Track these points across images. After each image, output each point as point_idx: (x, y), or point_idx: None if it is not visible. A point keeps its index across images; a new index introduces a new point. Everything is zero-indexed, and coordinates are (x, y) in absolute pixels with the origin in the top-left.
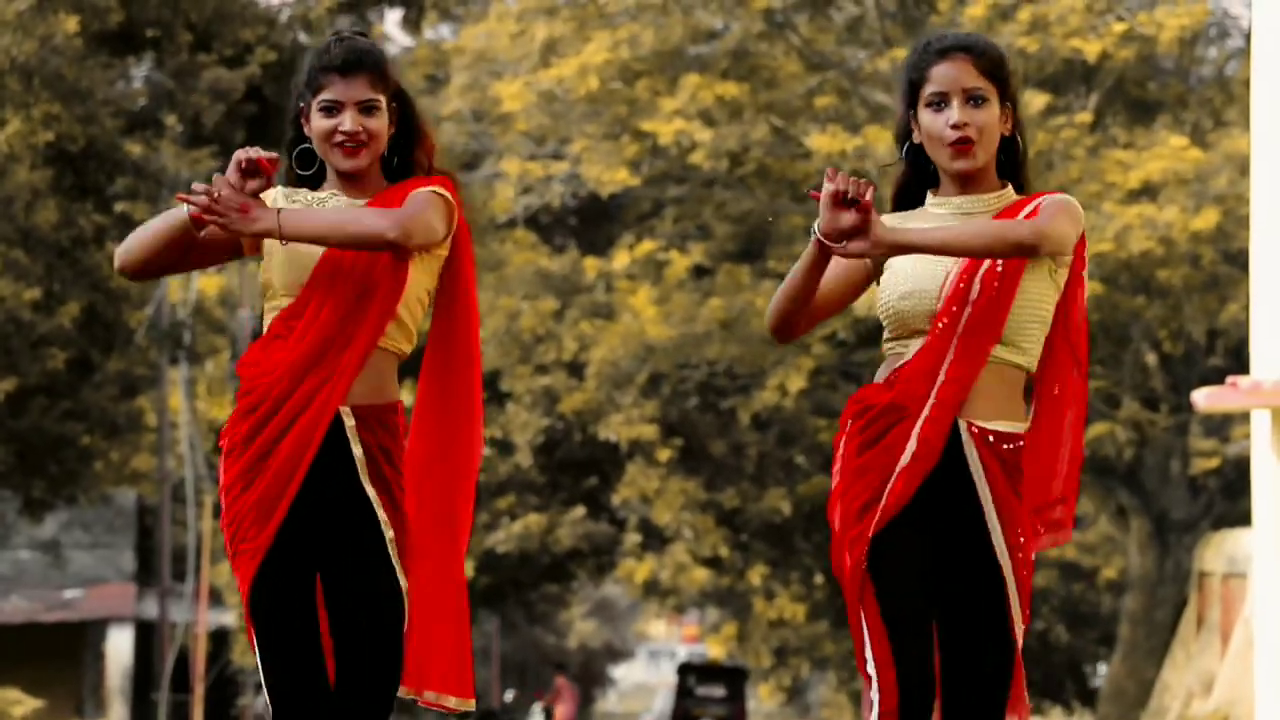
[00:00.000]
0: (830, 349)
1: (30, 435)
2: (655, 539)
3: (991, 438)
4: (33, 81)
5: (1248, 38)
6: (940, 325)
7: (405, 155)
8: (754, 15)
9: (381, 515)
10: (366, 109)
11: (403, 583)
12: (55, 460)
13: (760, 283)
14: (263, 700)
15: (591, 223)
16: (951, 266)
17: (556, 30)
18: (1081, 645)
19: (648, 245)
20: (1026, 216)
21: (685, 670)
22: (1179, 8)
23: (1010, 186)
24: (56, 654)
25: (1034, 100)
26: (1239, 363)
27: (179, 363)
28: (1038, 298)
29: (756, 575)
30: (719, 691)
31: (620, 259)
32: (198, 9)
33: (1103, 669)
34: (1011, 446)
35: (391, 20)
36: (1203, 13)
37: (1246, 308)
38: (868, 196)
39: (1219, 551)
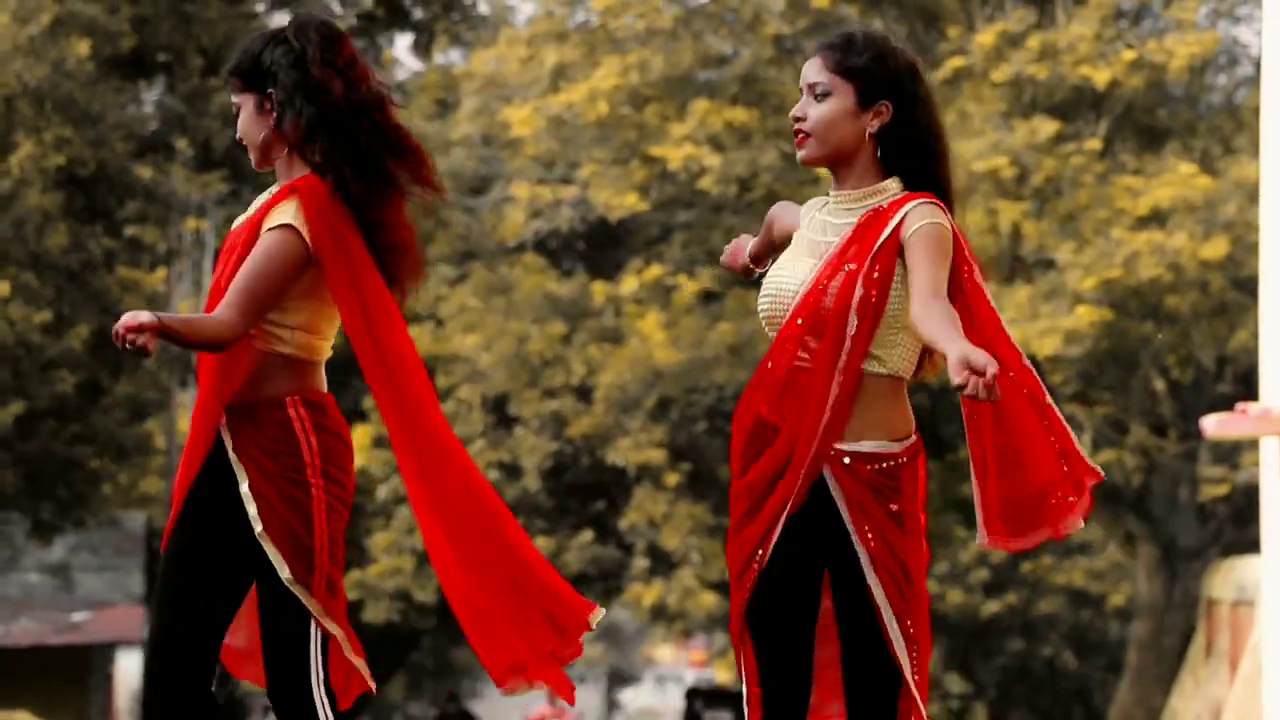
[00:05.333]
0: None
1: (39, 458)
2: (663, 563)
3: (848, 459)
4: (44, 106)
5: (1258, 65)
6: (797, 335)
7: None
8: (763, 41)
9: (251, 510)
10: (238, 111)
11: (282, 572)
12: (64, 483)
13: None
14: None
15: (600, 247)
16: (811, 271)
17: (566, 55)
18: (1089, 672)
19: (656, 270)
20: (893, 229)
21: (693, 695)
22: (1189, 36)
23: (892, 180)
24: (65, 677)
25: (1043, 127)
26: (1248, 389)
27: (188, 386)
28: (895, 307)
29: None
30: (726, 716)
31: (629, 283)
32: (209, 33)
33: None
34: (878, 467)
35: (402, 45)
36: (1212, 41)
37: (1255, 334)
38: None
39: (1227, 579)
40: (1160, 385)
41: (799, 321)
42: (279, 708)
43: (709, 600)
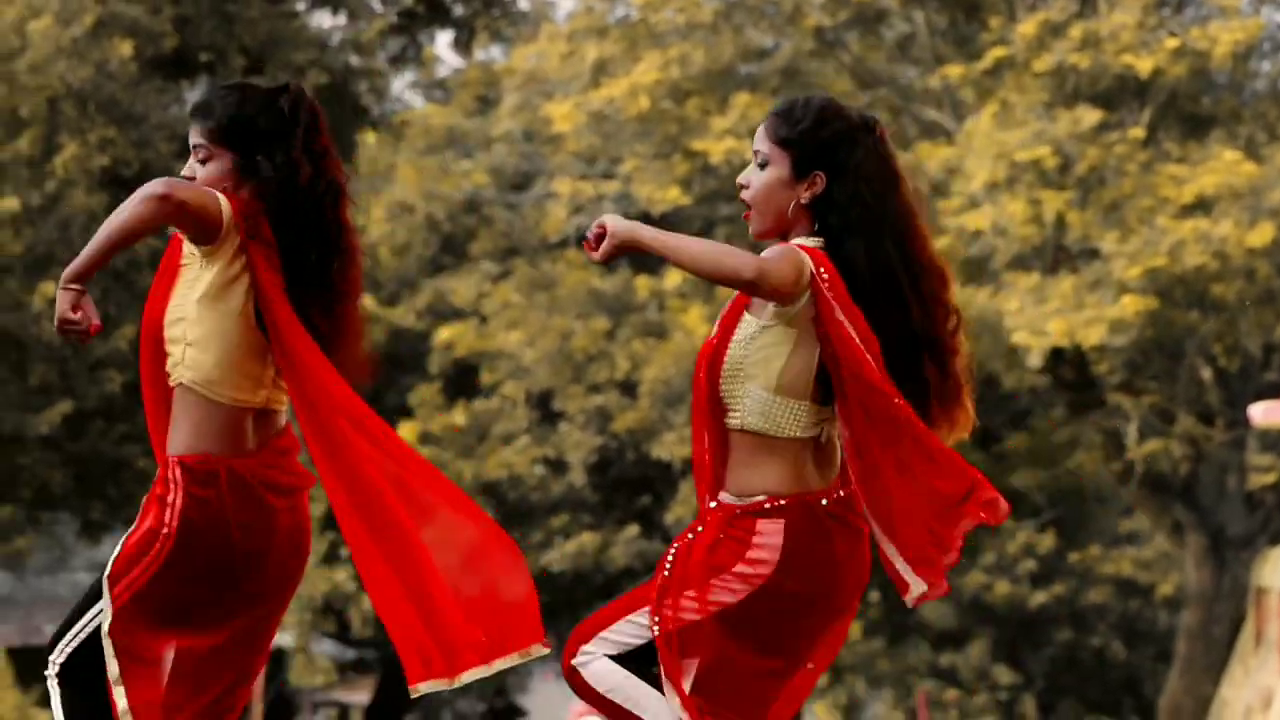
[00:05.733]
0: None
1: (88, 458)
2: None
3: (714, 504)
4: (88, 107)
5: None
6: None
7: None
8: (804, 33)
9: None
10: (200, 155)
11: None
12: (113, 482)
13: None
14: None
15: None
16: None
17: (607, 50)
18: (1138, 662)
19: None
20: None
21: None
22: (1232, 22)
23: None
24: None
25: (1086, 116)
26: None
27: None
28: (743, 353)
29: None
30: None
31: (672, 278)
32: (251, 33)
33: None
34: (724, 516)
35: (443, 42)
36: (1256, 27)
37: None
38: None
39: (1276, 567)
40: (1207, 374)
41: (698, 376)
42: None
43: None
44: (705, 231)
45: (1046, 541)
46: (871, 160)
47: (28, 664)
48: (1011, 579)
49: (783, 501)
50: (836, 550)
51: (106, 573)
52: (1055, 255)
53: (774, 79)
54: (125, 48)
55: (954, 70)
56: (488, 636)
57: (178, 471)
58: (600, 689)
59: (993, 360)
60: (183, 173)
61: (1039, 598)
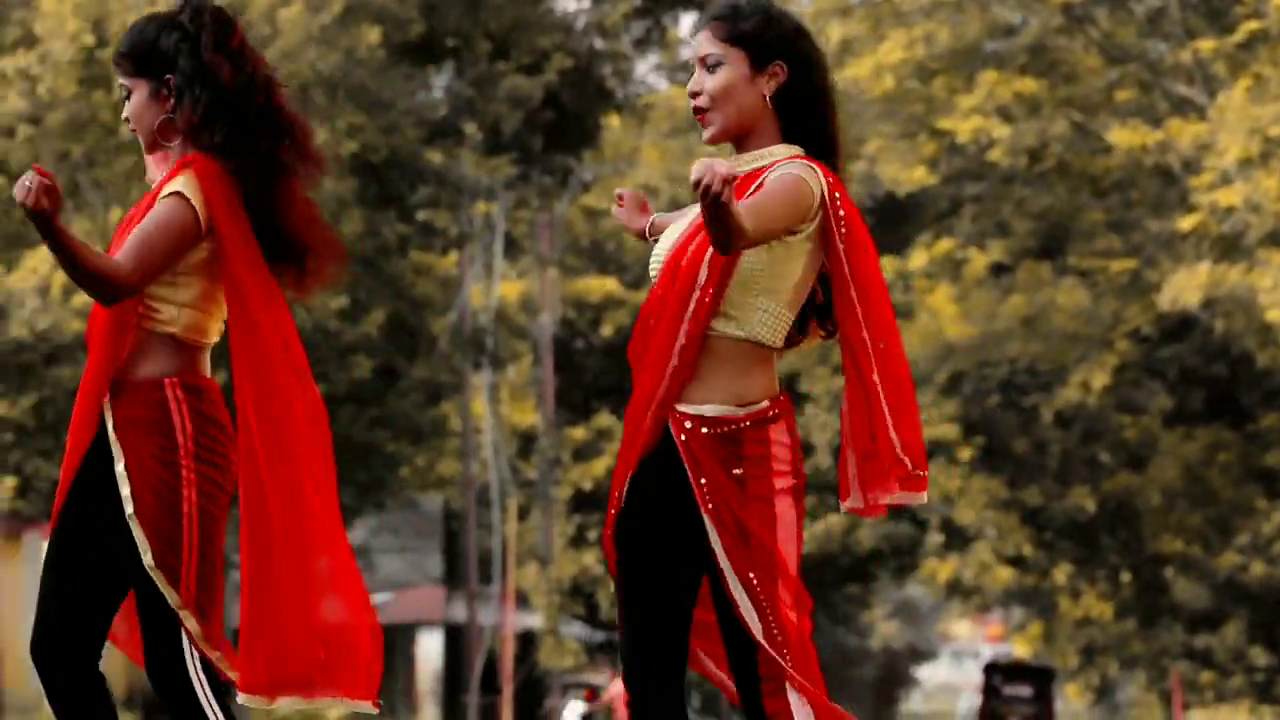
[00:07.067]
0: (1134, 345)
1: (338, 442)
2: (958, 538)
3: (689, 423)
4: (336, 93)
5: None
6: (659, 292)
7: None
8: (1052, 9)
9: (124, 491)
10: (124, 92)
11: (145, 557)
12: (363, 467)
13: (1061, 280)
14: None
15: (888, 222)
16: (675, 237)
17: (851, 30)
18: None
19: (946, 244)
20: (756, 188)
21: (992, 670)
22: None
23: (782, 147)
24: None
25: None
26: None
27: (482, 368)
28: (754, 268)
29: (1061, 573)
30: (1026, 691)
31: (918, 258)
32: (496, 18)
33: None
34: (718, 431)
35: (687, 23)
36: None
37: None
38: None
39: None
40: None
41: (665, 278)
42: (159, 691)
43: (1005, 574)
44: (952, 211)
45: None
46: (820, 53)
47: None
48: (1267, 560)
49: (777, 401)
50: None
51: (150, 562)
52: None
53: (1021, 56)
54: (373, 34)
55: (1206, 44)
56: (326, 669)
57: (176, 391)
58: None
59: (1246, 338)
60: (124, 115)
61: None
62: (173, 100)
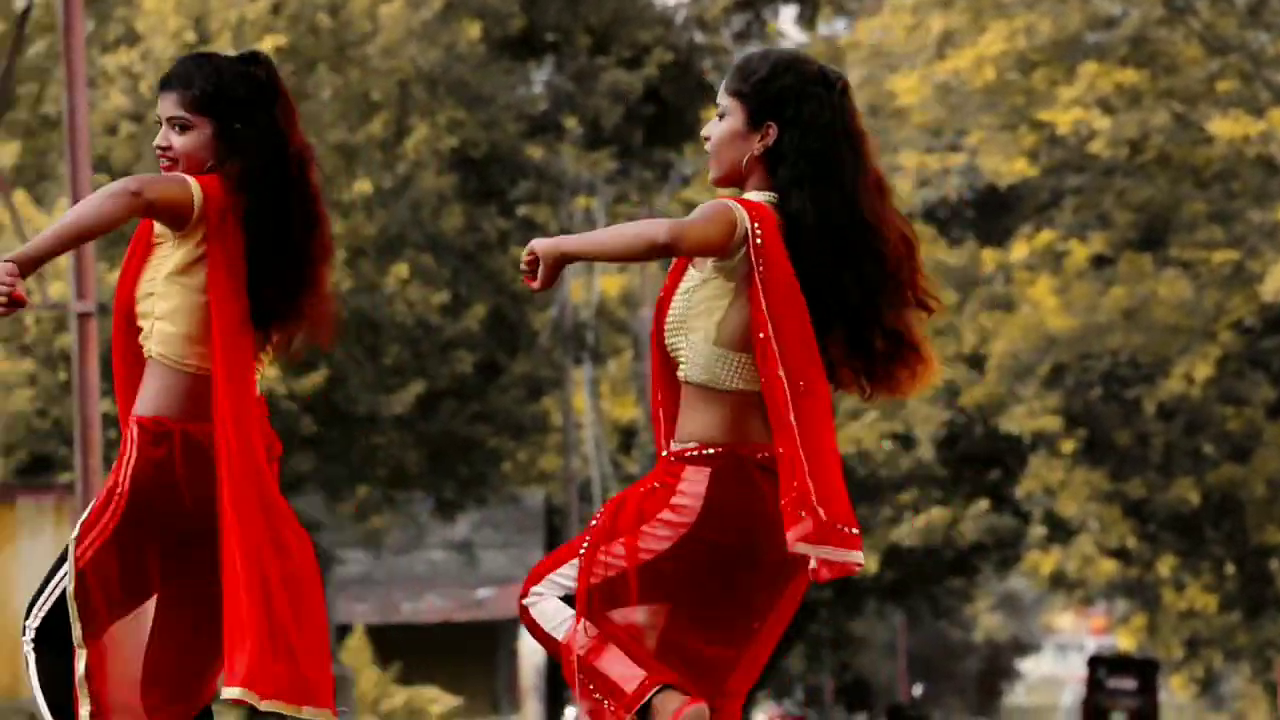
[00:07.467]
0: (1237, 336)
1: (441, 438)
2: (1061, 531)
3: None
4: (437, 89)
5: None
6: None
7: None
8: (1153, 1)
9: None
10: (177, 126)
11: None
12: (465, 461)
13: (1163, 271)
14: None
15: (989, 214)
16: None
17: (952, 22)
18: None
19: (1047, 235)
20: None
21: (1096, 663)
22: None
23: (755, 194)
24: (471, 653)
25: None
26: None
27: (583, 363)
28: (685, 306)
29: (1165, 566)
30: (1130, 684)
31: (1019, 250)
32: (596, 12)
33: None
34: (665, 462)
35: (786, 17)
36: None
37: None
38: None
39: None
40: None
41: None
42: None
43: (1109, 567)
44: (1053, 203)
45: None
46: (825, 114)
47: (386, 641)
48: None
49: (711, 450)
50: (767, 504)
51: (73, 534)
52: None
53: (1122, 47)
54: (473, 29)
55: None
56: (302, 679)
57: (135, 431)
58: (546, 627)
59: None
60: (156, 143)
61: None
62: (228, 145)
